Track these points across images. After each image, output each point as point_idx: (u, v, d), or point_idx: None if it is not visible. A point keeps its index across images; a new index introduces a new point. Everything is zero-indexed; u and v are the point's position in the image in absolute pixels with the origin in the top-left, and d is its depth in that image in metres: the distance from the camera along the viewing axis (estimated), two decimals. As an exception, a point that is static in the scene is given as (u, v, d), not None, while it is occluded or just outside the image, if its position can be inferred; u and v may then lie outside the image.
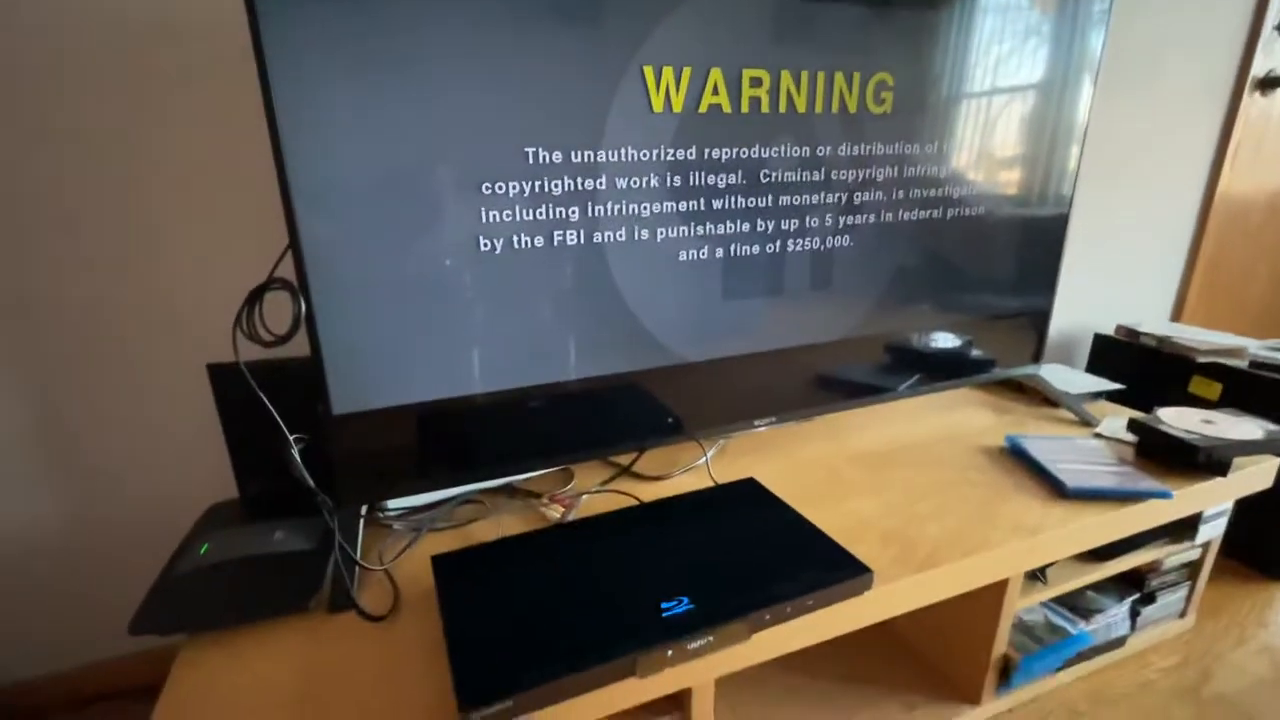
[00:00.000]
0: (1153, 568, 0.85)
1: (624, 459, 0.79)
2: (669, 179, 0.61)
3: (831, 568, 0.55)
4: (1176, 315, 1.39)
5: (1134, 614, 0.85)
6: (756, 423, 0.75)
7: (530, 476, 0.75)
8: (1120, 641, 0.85)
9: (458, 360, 0.58)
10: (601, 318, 0.62)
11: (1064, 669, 0.81)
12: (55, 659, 0.79)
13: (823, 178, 0.68)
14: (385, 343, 0.55)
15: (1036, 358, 0.91)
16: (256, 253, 0.74)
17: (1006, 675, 0.76)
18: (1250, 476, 0.78)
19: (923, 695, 0.76)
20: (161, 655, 0.83)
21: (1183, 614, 0.90)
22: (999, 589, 0.70)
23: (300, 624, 0.53)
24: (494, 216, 0.57)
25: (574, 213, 0.59)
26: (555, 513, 0.68)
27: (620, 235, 0.61)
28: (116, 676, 0.81)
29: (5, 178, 0.65)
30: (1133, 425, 0.82)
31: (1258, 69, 1.24)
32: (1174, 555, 0.85)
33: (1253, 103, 1.26)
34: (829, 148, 0.68)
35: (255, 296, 0.52)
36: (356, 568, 0.58)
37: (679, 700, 0.58)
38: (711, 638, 0.48)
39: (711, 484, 0.73)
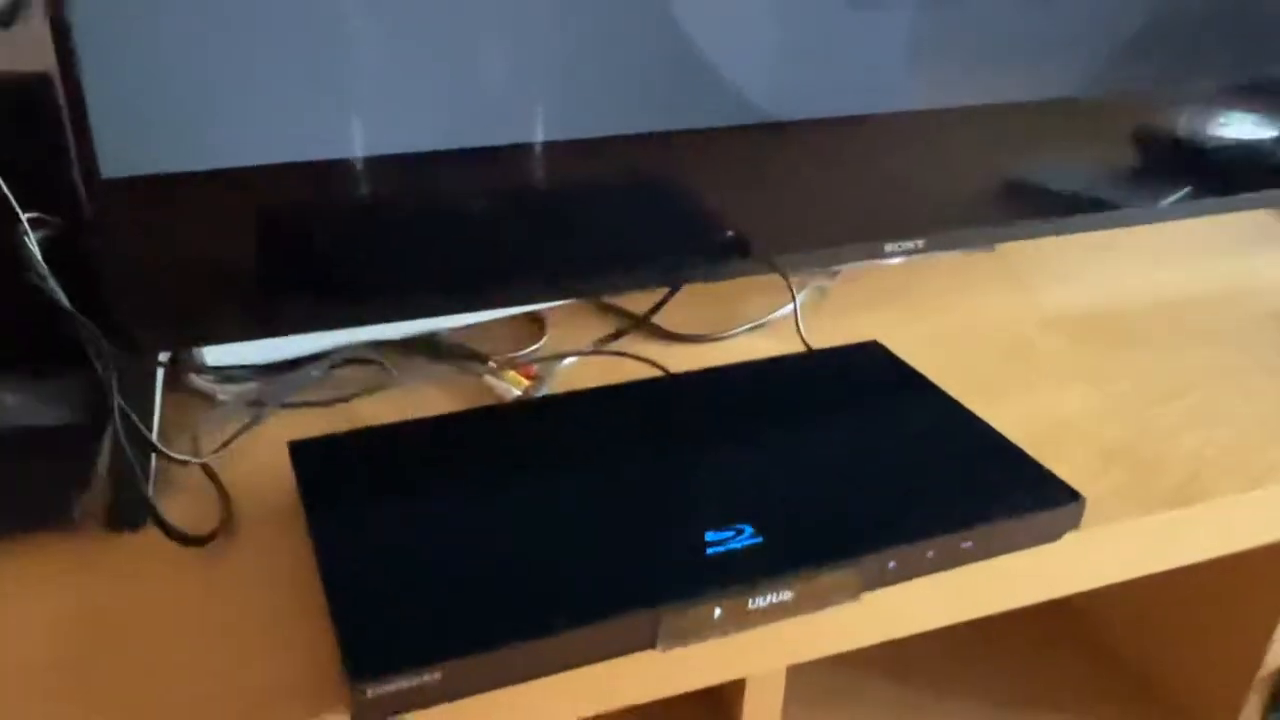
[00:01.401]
0: None
1: (637, 303, 0.81)
2: None
3: (1009, 490, 0.56)
4: None
5: None
6: (888, 248, 0.78)
7: (468, 324, 0.77)
8: None
9: (333, 90, 0.59)
10: (614, 24, 0.62)
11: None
12: None
13: None
14: (197, 48, 0.54)
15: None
16: None
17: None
18: None
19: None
20: None
21: None
22: (1288, 556, 0.72)
23: (61, 546, 0.53)
24: None
25: None
26: (513, 387, 0.69)
27: None
28: None
29: None
30: None
31: None
32: None
33: None
34: None
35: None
36: (154, 457, 0.59)
37: (720, 700, 0.61)
38: (791, 592, 0.49)
39: (802, 350, 0.74)
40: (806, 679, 0.84)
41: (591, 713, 0.50)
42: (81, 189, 0.56)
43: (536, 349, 0.75)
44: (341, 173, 0.61)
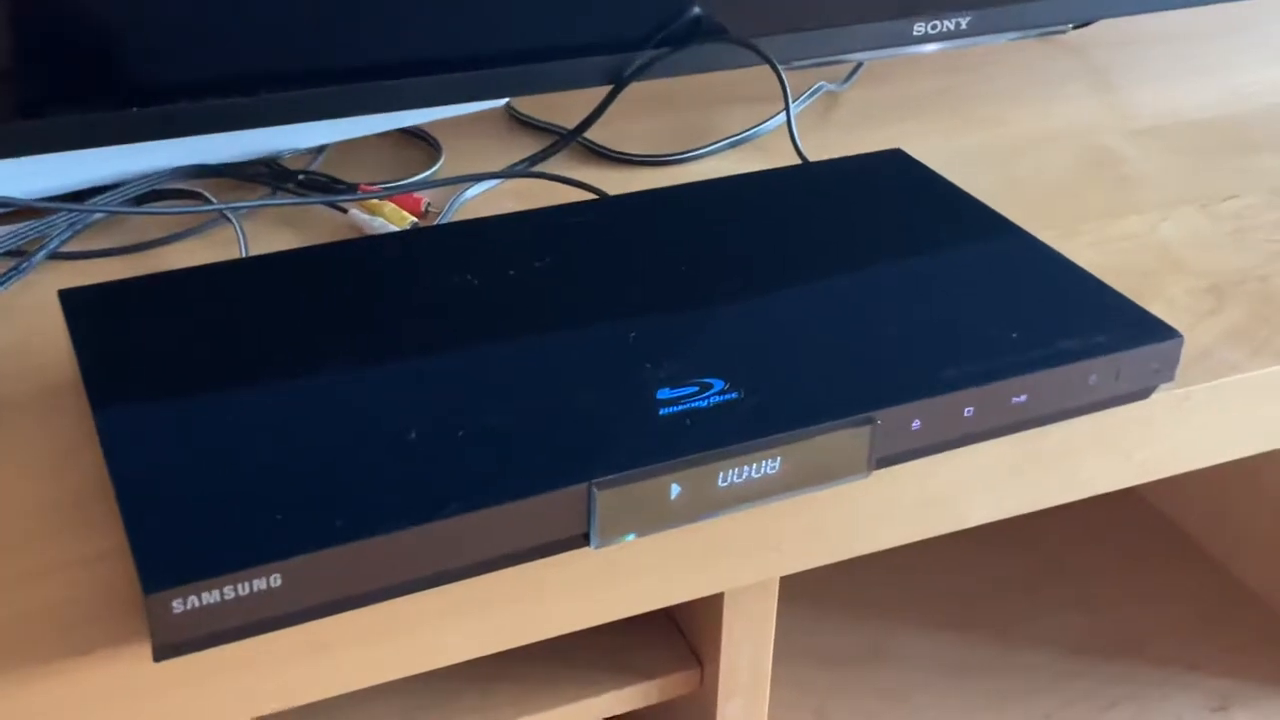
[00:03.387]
0: None
1: (568, 114, 0.81)
2: None
3: (1077, 326, 0.56)
4: None
5: None
6: (917, 29, 0.80)
7: (325, 143, 0.78)
8: None
9: None
10: None
11: None
12: None
13: None
14: None
15: None
16: None
17: None
18: None
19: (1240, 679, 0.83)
20: None
21: None
22: None
23: None
24: None
25: None
26: (391, 223, 0.71)
27: None
28: None
29: None
30: None
31: None
32: None
33: None
34: None
35: None
36: None
37: (693, 639, 0.61)
38: (778, 458, 0.48)
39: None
40: (796, 602, 0.84)
41: (502, 646, 0.51)
42: None
43: (425, 175, 0.76)
44: None
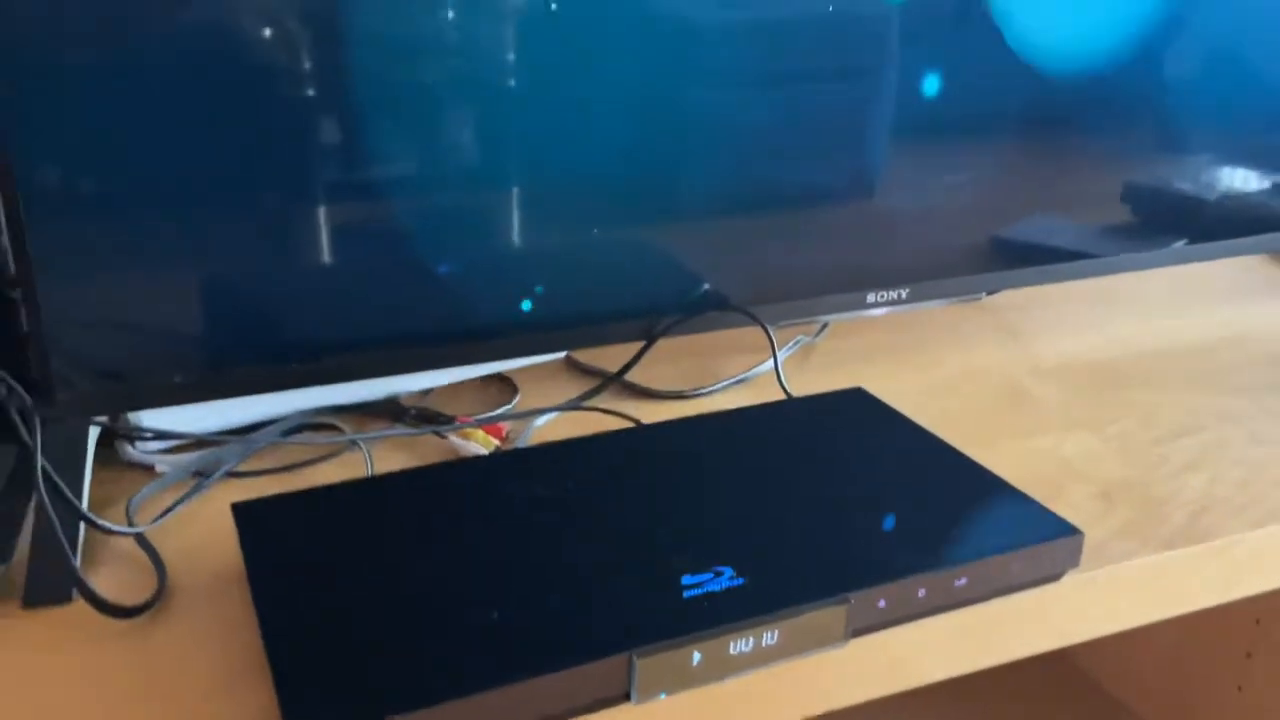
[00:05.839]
0: None
1: (612, 361, 0.81)
2: None
3: (1004, 527, 0.56)
4: None
5: None
6: (870, 298, 0.80)
7: (432, 386, 0.78)
8: None
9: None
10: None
11: None
12: None
13: None
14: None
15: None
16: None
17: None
18: None
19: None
20: None
21: None
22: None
23: None
24: None
25: None
26: (479, 447, 0.70)
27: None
28: None
29: None
30: None
31: None
32: None
33: None
34: None
35: None
36: (82, 526, 0.58)
37: None
38: (775, 632, 0.48)
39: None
40: None
41: None
42: (8, 255, 0.56)
43: (507, 408, 0.76)
44: (287, 210, 0.62)
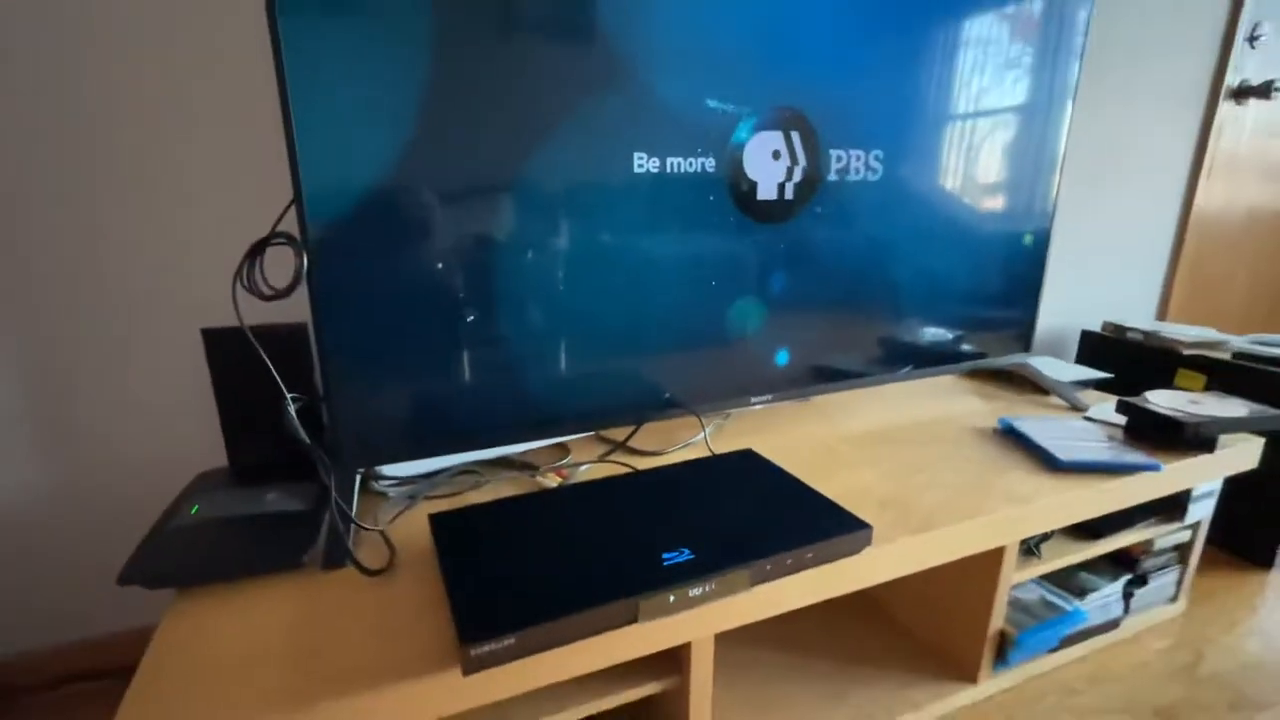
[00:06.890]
0: (1144, 549, 0.86)
1: (620, 434, 0.81)
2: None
3: (830, 525, 0.55)
4: (1161, 316, 1.42)
5: (1127, 596, 0.86)
6: (753, 400, 0.77)
7: (526, 449, 0.76)
8: (1115, 624, 0.85)
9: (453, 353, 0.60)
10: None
11: (1061, 648, 0.81)
12: (38, 634, 0.77)
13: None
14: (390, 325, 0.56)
15: (1026, 348, 0.94)
16: (244, 218, 0.74)
17: (1004, 652, 0.76)
18: (1236, 455, 0.79)
19: (919, 674, 0.75)
20: (146, 636, 0.81)
21: (1174, 599, 0.91)
22: (994, 560, 0.71)
23: (294, 579, 0.52)
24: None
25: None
26: (552, 482, 0.69)
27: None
28: (101, 655, 0.79)
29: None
30: (1122, 405, 0.84)
31: (1231, 79, 1.28)
32: (1165, 536, 0.86)
33: (1228, 111, 1.30)
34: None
35: (256, 251, 0.52)
36: (352, 526, 0.58)
37: (677, 662, 0.58)
38: (713, 584, 0.48)
39: (710, 455, 0.73)
40: (723, 660, 0.80)
41: (601, 666, 0.48)
42: (324, 376, 0.57)
43: (565, 460, 0.74)
44: (457, 364, 0.61)
